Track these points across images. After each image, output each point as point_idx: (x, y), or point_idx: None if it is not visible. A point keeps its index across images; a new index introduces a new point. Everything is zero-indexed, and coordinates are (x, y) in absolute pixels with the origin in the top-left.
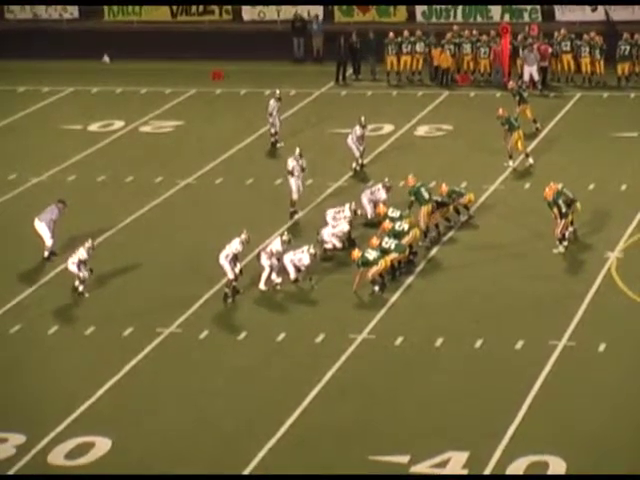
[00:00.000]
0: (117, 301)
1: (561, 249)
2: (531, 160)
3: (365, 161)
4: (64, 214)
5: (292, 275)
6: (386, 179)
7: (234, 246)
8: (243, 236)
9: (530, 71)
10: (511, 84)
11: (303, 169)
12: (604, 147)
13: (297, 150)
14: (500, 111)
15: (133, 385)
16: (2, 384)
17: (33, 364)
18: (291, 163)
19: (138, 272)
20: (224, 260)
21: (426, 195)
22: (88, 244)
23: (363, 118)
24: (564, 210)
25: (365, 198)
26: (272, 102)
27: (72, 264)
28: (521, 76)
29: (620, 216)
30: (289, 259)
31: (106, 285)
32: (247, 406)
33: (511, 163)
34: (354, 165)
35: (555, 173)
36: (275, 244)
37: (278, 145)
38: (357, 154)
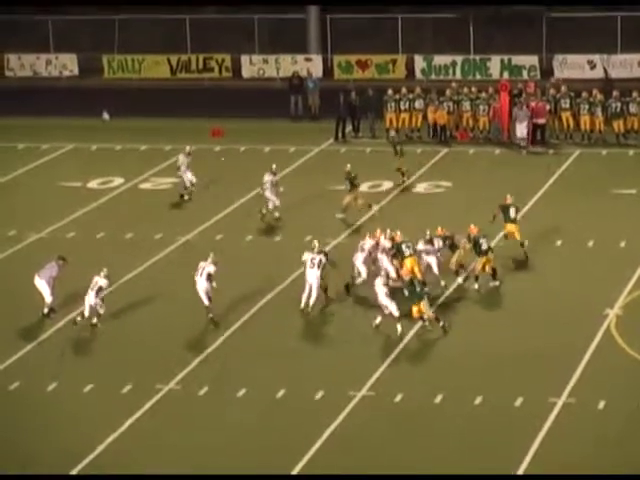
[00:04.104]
0: (116, 358)
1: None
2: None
3: (363, 218)
4: (64, 271)
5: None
6: (388, 230)
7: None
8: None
9: (521, 128)
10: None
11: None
12: (603, 204)
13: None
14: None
15: (132, 442)
16: (1, 441)
17: (32, 421)
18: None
19: (137, 329)
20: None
21: (407, 251)
22: (104, 272)
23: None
24: (483, 248)
25: (358, 260)
26: (181, 157)
27: (91, 291)
28: (509, 134)
29: (619, 273)
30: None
31: (105, 342)
32: (247, 462)
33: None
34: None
35: (554, 230)
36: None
37: (185, 197)
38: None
